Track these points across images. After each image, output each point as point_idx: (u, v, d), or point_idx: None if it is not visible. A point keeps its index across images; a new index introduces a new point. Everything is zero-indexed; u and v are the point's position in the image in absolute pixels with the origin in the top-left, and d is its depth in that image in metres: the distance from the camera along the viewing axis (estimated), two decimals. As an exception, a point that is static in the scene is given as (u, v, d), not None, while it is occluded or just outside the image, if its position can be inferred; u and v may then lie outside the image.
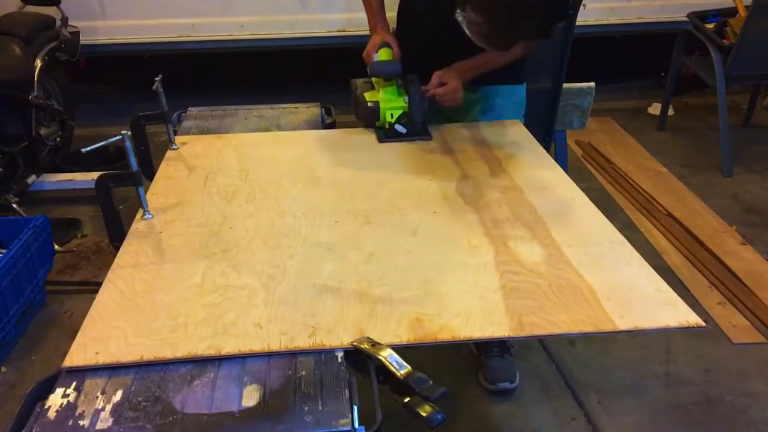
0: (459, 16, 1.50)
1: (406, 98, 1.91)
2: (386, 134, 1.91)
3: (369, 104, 1.93)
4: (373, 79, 2.01)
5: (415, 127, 1.90)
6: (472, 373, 2.18)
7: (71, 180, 3.27)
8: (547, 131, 2.68)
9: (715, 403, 2.10)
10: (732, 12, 3.66)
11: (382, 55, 1.94)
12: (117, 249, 1.40)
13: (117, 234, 1.48)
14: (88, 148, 1.41)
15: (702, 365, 2.25)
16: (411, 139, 1.89)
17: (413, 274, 1.29)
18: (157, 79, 1.75)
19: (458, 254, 1.36)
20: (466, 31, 1.51)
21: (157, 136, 2.58)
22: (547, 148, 2.11)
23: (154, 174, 1.75)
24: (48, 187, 3.27)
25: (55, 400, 1.02)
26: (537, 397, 2.13)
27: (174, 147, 1.87)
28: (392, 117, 1.91)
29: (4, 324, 2.26)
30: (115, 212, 1.51)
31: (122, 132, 1.40)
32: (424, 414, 0.98)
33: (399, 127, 1.90)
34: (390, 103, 1.92)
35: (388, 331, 1.13)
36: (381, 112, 1.92)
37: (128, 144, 1.41)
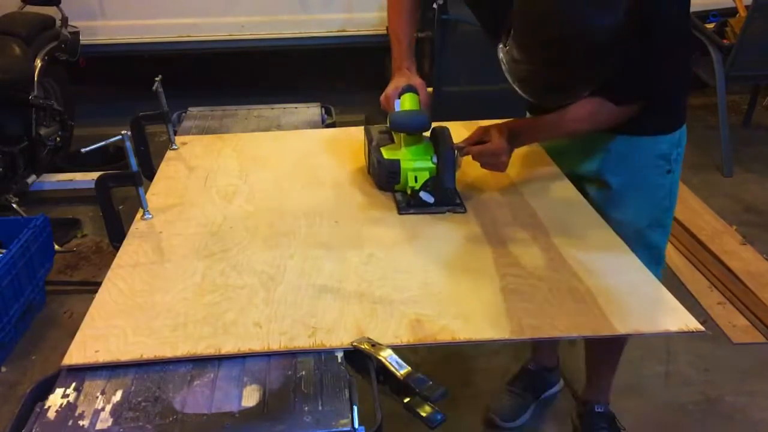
0: (500, 52, 1.19)
1: (435, 157, 1.51)
2: (408, 203, 1.53)
3: (386, 162, 1.54)
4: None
5: (446, 194, 1.52)
6: (473, 373, 2.18)
7: (71, 180, 3.28)
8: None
9: (715, 402, 2.10)
10: (732, 12, 3.66)
11: (406, 102, 1.57)
12: (117, 249, 1.40)
13: (117, 234, 1.47)
14: (88, 148, 1.41)
15: (702, 365, 2.25)
16: (440, 210, 1.51)
17: (413, 275, 1.29)
18: (157, 79, 1.75)
19: (458, 256, 1.36)
20: (506, 74, 1.20)
21: (157, 136, 2.58)
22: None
23: (154, 174, 1.74)
24: (48, 187, 3.28)
25: (55, 400, 1.02)
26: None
27: (174, 147, 1.87)
28: (416, 181, 1.51)
29: (4, 324, 2.26)
30: (115, 212, 1.51)
31: (122, 132, 1.40)
32: (424, 414, 0.98)
33: (425, 195, 1.51)
34: (413, 162, 1.52)
35: (388, 332, 1.13)
36: (402, 173, 1.53)
37: (128, 144, 1.41)
